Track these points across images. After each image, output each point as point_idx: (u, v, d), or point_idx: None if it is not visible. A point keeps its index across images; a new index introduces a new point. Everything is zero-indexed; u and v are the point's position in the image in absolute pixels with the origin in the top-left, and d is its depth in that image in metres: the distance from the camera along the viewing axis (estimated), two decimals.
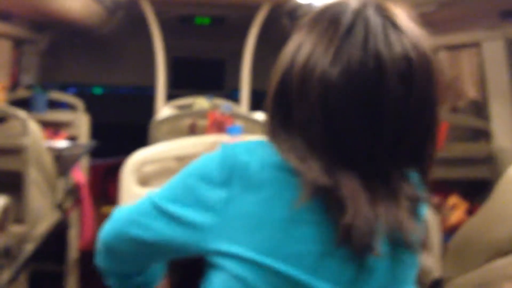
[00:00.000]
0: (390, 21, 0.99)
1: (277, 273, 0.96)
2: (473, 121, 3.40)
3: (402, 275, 1.05)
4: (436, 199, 3.30)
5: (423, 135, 1.01)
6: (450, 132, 3.26)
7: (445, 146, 3.24)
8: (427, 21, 3.31)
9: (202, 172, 1.03)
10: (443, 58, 3.92)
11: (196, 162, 1.05)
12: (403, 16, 1.01)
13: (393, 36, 0.97)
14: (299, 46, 1.02)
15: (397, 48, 0.96)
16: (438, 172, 3.28)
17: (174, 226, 1.03)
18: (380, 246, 0.97)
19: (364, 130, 0.96)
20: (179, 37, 5.83)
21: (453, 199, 3.23)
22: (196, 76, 6.32)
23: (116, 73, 6.29)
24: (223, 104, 3.98)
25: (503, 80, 3.14)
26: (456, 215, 3.14)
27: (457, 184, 3.35)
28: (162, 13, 4.89)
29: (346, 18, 0.99)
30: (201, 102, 4.37)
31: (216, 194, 1.00)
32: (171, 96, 5.15)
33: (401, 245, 1.00)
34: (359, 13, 0.99)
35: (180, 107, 4.42)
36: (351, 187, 0.96)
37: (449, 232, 2.91)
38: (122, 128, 5.67)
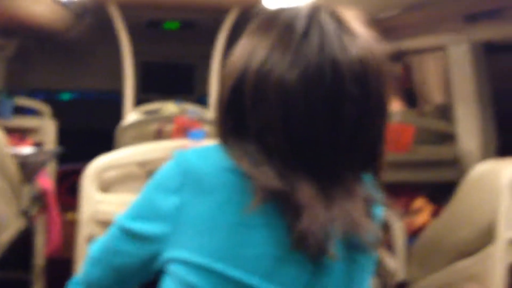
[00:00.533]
0: (343, 26, 1.00)
1: (228, 279, 0.95)
2: (439, 124, 3.42)
3: (358, 277, 1.05)
4: (401, 202, 3.31)
5: (376, 136, 1.03)
6: (416, 135, 3.27)
7: (412, 149, 3.25)
8: (393, 25, 3.33)
9: (158, 182, 1.03)
10: (410, 62, 3.95)
11: (155, 173, 1.05)
12: (355, 21, 1.02)
13: (347, 40, 0.98)
14: (253, 51, 1.01)
15: (352, 51, 0.97)
16: (405, 175, 3.31)
17: (139, 244, 1.02)
18: (336, 249, 0.96)
19: (322, 133, 0.97)
20: (148, 41, 5.81)
21: (419, 202, 3.24)
22: (165, 81, 6.30)
23: (85, 78, 6.24)
24: (190, 109, 3.96)
25: (468, 83, 3.16)
26: (422, 218, 3.16)
27: (424, 187, 3.36)
28: (130, 18, 4.86)
29: (301, 23, 0.99)
30: (170, 107, 4.36)
31: (170, 202, 0.99)
32: (140, 101, 5.13)
33: (357, 247, 1.01)
34: (313, 18, 1.00)
35: (148, 112, 4.39)
36: (306, 192, 0.96)
37: (414, 234, 2.92)
38: (90, 134, 5.63)
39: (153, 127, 3.41)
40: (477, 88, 3.10)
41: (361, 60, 0.97)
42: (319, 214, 0.95)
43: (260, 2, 4.09)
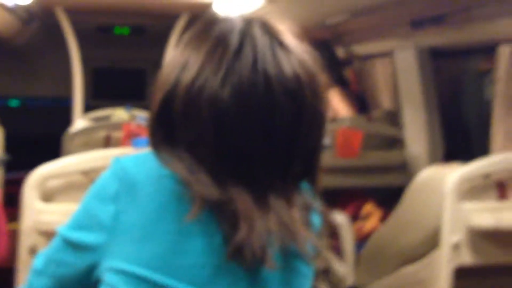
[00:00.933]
0: (276, 40, 0.99)
1: None
2: (387, 130, 3.45)
3: (297, 285, 1.04)
4: (351, 207, 3.33)
5: (313, 147, 1.02)
6: (365, 141, 3.30)
7: (361, 155, 3.28)
8: (342, 30, 3.35)
9: (96, 191, 1.00)
10: (360, 68, 3.98)
11: (95, 182, 1.03)
12: (288, 34, 1.02)
13: (281, 55, 0.98)
14: (185, 65, 0.99)
15: (286, 67, 0.97)
16: (354, 181, 3.33)
17: (79, 254, 1.00)
18: (274, 259, 0.95)
19: (258, 148, 0.96)
20: (98, 47, 5.74)
21: (368, 207, 3.27)
22: (116, 87, 6.22)
23: (34, 84, 6.12)
24: (140, 115, 3.92)
25: (415, 88, 3.19)
26: (371, 223, 3.18)
27: (373, 192, 3.39)
28: (79, 23, 4.78)
29: (234, 39, 0.98)
30: (120, 113, 4.30)
31: (106, 211, 0.97)
32: (92, 107, 5.05)
33: (295, 255, 1.00)
34: (246, 33, 0.99)
35: (98, 119, 4.33)
36: (244, 202, 0.95)
37: (364, 240, 2.94)
38: (39, 141, 5.53)
39: (101, 134, 3.36)
40: (424, 93, 3.14)
41: (294, 74, 0.97)
42: (256, 224, 0.94)
43: (210, 7, 4.08)
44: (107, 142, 3.33)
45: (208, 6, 4.07)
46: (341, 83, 3.70)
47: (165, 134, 1.01)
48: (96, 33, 5.44)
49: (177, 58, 1.01)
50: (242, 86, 0.95)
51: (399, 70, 3.29)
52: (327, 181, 3.33)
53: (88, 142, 3.30)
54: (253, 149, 0.96)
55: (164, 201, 0.95)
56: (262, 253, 0.94)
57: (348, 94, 3.86)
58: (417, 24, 2.87)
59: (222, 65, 0.96)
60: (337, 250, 2.94)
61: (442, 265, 2.05)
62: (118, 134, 3.29)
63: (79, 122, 4.12)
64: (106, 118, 4.33)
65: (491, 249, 2.06)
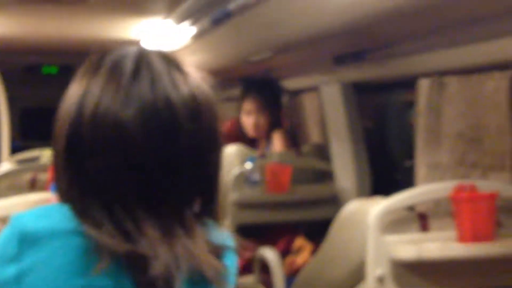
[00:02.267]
0: (173, 65, 1.02)
1: None
2: (316, 163, 3.48)
3: None
4: (282, 242, 3.34)
5: (212, 173, 1.05)
6: (295, 175, 3.32)
7: (290, 189, 3.29)
8: (268, 66, 3.37)
9: None
10: (287, 103, 4.02)
11: None
12: (183, 62, 1.05)
13: (178, 78, 1.01)
14: (84, 93, 0.99)
15: (184, 88, 1.00)
16: (284, 215, 3.34)
17: None
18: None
19: (164, 169, 0.97)
20: (26, 86, 5.65)
21: (300, 241, 3.28)
22: (45, 127, 6.11)
23: None
24: None
25: (340, 122, 3.24)
26: (303, 257, 3.19)
27: (304, 226, 3.40)
28: (4, 63, 4.71)
29: (130, 63, 1.00)
30: (48, 154, 4.21)
31: (6, 273, 0.93)
32: (21, 148, 4.95)
33: (203, 283, 0.99)
34: (141, 58, 1.01)
35: (25, 161, 4.24)
36: (151, 239, 0.95)
37: (297, 274, 2.94)
38: None
39: (27, 176, 3.28)
40: (349, 127, 3.20)
41: (193, 96, 1.00)
42: (163, 259, 0.94)
43: (138, 45, 4.06)
44: (33, 185, 3.25)
45: (135, 44, 4.06)
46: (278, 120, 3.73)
47: (72, 176, 0.99)
48: (23, 73, 5.37)
49: (75, 89, 1.01)
50: (143, 107, 0.96)
51: (325, 105, 3.34)
52: (257, 216, 3.36)
53: (13, 185, 3.22)
54: (159, 170, 0.97)
55: (71, 257, 0.93)
56: (171, 285, 0.94)
57: (280, 129, 3.88)
58: (340, 60, 2.93)
59: (121, 87, 0.97)
60: (269, 285, 2.94)
61: None
62: (44, 177, 3.22)
63: (5, 164, 4.02)
64: (34, 159, 4.23)
65: (414, 280, 2.08)
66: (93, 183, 0.97)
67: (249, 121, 3.62)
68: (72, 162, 0.99)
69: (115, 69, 0.99)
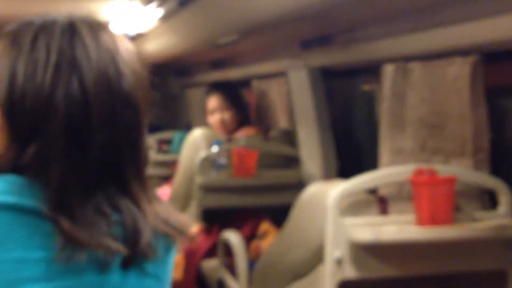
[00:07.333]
0: (98, 39, 0.99)
1: None
2: (283, 149, 3.48)
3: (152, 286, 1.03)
4: (248, 226, 3.34)
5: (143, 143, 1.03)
6: (261, 160, 3.32)
7: (257, 174, 3.29)
8: (236, 51, 3.35)
9: None
10: (257, 88, 4.02)
11: None
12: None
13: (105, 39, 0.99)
14: (12, 68, 0.96)
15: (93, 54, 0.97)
16: (250, 200, 3.33)
17: None
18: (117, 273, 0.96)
19: (105, 137, 0.96)
20: None
21: (265, 226, 3.28)
22: None
23: None
24: None
25: (308, 108, 3.24)
26: (268, 242, 3.19)
27: (270, 211, 3.40)
28: None
29: (30, 32, 0.99)
30: None
31: None
32: None
33: (144, 255, 0.99)
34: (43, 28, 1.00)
35: None
36: (87, 218, 0.94)
37: None
38: None
39: None
40: (317, 112, 3.19)
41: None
42: (101, 240, 0.93)
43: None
44: None
45: None
46: (240, 107, 3.74)
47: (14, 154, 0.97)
48: None
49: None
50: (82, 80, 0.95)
51: (293, 90, 3.34)
52: (223, 200, 3.35)
53: None
54: (102, 139, 0.96)
55: (5, 230, 0.91)
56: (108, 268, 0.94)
57: (248, 114, 3.88)
58: (306, 44, 2.92)
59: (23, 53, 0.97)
60: (233, 269, 2.94)
61: (326, 280, 2.08)
62: None
63: None
64: None
65: (372, 263, 2.10)
66: (34, 160, 0.96)
67: (214, 119, 3.66)
68: (15, 138, 0.98)
69: (16, 39, 0.98)
